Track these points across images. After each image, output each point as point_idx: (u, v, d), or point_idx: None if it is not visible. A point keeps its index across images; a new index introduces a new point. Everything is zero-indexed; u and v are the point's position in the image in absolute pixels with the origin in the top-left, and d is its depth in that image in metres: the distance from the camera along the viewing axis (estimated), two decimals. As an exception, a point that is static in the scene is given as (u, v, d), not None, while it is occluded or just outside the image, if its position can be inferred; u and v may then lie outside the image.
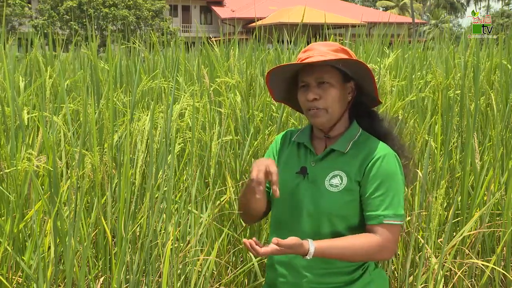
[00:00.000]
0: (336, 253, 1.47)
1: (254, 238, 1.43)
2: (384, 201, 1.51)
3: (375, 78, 1.69)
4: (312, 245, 1.44)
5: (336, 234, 1.54)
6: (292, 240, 1.41)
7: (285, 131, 1.76)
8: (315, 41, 4.53)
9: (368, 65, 1.57)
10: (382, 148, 1.55)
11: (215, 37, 5.68)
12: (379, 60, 3.35)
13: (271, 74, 1.62)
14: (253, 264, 2.50)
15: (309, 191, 1.57)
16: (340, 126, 1.61)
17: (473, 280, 2.72)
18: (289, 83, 1.66)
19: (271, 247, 1.40)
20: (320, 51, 1.56)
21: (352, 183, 1.53)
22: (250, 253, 2.58)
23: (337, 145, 1.58)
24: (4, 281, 2.10)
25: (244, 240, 1.42)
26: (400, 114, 2.93)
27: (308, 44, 3.77)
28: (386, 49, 4.46)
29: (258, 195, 1.46)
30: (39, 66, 3.48)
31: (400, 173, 1.56)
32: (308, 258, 1.44)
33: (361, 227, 1.56)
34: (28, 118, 2.81)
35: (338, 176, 1.55)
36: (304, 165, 1.61)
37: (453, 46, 4.26)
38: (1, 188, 2.29)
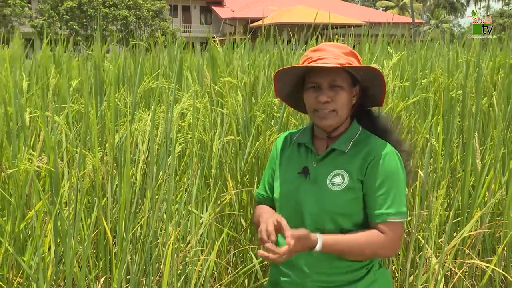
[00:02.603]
0: (342, 248, 1.49)
1: (270, 243, 1.41)
2: (387, 200, 1.52)
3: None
4: (320, 238, 1.45)
5: (340, 233, 1.54)
6: (301, 230, 1.42)
7: (283, 134, 1.76)
8: (315, 41, 4.53)
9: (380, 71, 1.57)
10: (383, 146, 1.56)
11: (216, 37, 5.68)
12: (383, 60, 3.34)
13: (281, 72, 1.62)
14: (254, 265, 2.50)
15: (311, 191, 1.57)
16: (342, 126, 1.62)
17: (473, 280, 2.71)
18: (295, 82, 1.66)
19: (284, 249, 1.39)
20: (334, 53, 1.56)
21: (354, 182, 1.54)
22: (252, 254, 2.59)
23: (337, 144, 1.59)
24: (4, 285, 2.10)
25: (259, 251, 1.40)
26: (403, 115, 2.92)
27: (307, 43, 3.77)
28: (390, 49, 4.45)
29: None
30: (45, 66, 3.48)
31: (402, 171, 1.57)
32: (317, 250, 1.45)
33: (366, 223, 1.57)
34: (30, 119, 2.81)
35: (340, 175, 1.55)
36: (305, 165, 1.61)
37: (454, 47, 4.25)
38: (2, 188, 2.29)
